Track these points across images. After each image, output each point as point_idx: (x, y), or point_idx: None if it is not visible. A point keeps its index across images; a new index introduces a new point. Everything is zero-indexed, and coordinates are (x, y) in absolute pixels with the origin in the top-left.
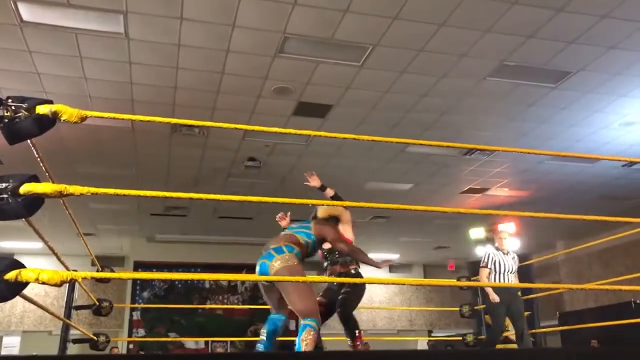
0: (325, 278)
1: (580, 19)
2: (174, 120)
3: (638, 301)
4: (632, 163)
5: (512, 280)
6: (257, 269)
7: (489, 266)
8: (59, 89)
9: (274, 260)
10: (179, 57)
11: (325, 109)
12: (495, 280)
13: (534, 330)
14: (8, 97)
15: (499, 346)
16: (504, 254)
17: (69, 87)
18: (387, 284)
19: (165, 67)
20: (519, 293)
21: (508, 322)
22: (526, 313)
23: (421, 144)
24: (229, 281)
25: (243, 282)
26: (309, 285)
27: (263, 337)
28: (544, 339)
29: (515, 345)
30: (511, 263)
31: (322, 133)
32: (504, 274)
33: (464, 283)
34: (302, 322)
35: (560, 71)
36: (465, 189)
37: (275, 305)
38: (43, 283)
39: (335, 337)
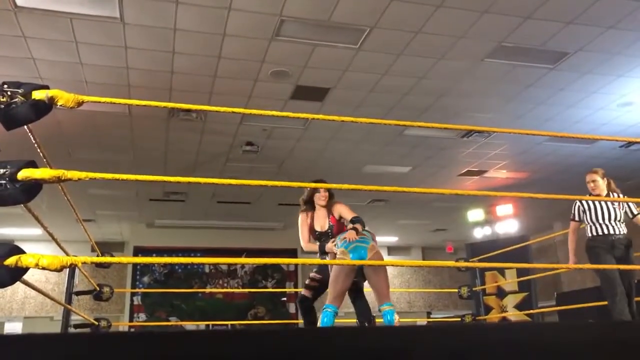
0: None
1: None
2: (171, 105)
3: (635, 281)
4: (630, 143)
5: (619, 229)
6: (352, 254)
7: (576, 218)
8: (55, 74)
9: (371, 246)
10: (175, 41)
11: (322, 92)
12: (594, 233)
13: (532, 311)
14: (4, 83)
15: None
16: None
17: (64, 73)
18: (386, 265)
19: (161, 52)
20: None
21: (506, 301)
22: (524, 294)
23: (419, 126)
24: (229, 265)
25: (242, 266)
26: None
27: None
28: (542, 319)
29: None
30: (611, 208)
31: (320, 116)
32: (604, 222)
33: (462, 264)
34: (387, 307)
35: (558, 52)
36: (463, 171)
37: (342, 294)
38: (43, 268)
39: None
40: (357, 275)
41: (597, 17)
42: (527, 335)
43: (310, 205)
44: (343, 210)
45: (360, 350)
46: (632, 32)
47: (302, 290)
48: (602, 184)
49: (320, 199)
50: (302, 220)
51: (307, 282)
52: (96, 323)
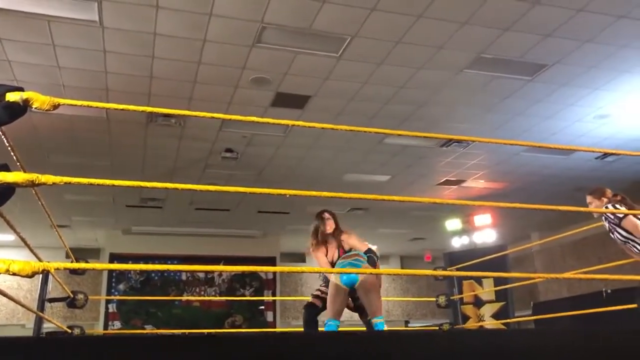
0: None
1: (557, 12)
2: (149, 109)
3: (609, 290)
4: (606, 155)
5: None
6: (344, 277)
7: None
8: (32, 77)
9: (362, 269)
10: (155, 46)
11: (303, 99)
12: None
13: (508, 320)
14: None
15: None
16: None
17: (41, 76)
18: (365, 274)
19: (140, 56)
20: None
21: (483, 311)
22: (501, 303)
23: (399, 135)
24: (206, 273)
25: (220, 274)
26: None
27: None
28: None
29: None
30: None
31: (300, 122)
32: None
33: (440, 273)
34: (377, 320)
35: (536, 64)
36: (442, 180)
37: (341, 312)
38: (14, 274)
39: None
40: (351, 296)
41: (575, 31)
42: (501, 341)
43: (320, 238)
44: (353, 242)
45: (340, 355)
46: (608, 45)
47: (311, 299)
48: (596, 206)
49: (325, 225)
50: (320, 255)
51: (316, 293)
52: (69, 331)
